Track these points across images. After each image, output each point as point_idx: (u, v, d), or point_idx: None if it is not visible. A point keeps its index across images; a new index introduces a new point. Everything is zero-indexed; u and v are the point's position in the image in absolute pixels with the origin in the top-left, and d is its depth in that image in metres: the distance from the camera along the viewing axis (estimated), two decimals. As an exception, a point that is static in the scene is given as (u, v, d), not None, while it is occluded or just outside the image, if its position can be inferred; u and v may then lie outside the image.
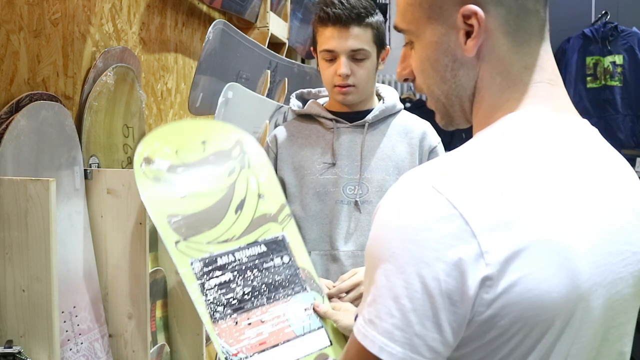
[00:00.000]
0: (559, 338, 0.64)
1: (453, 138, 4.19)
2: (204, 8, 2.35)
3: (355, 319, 0.67)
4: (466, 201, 0.62)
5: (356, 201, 1.64)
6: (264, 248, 1.34)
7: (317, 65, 1.68)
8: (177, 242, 1.26)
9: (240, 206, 1.36)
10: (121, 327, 1.51)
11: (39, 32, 1.39)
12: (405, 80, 0.81)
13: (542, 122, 0.70)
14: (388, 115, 1.70)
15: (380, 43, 1.62)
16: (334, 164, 1.65)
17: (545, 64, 0.73)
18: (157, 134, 1.42)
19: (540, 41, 0.73)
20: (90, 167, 1.53)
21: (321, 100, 1.75)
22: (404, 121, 1.71)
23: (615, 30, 4.25)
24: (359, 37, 1.57)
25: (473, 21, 0.70)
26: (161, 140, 1.39)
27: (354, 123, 1.67)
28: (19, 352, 1.14)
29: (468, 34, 0.71)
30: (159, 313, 1.74)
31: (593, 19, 4.44)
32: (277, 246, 1.35)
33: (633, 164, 4.14)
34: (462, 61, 0.73)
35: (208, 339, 1.85)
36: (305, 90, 1.81)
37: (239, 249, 1.31)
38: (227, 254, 1.29)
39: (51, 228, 1.19)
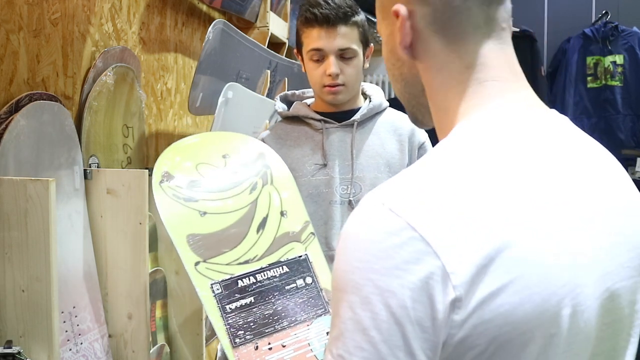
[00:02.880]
0: (546, 350, 0.62)
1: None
2: (204, 8, 2.35)
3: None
4: (425, 221, 0.59)
5: (350, 200, 1.64)
6: (286, 269, 1.30)
7: (303, 67, 1.69)
8: (196, 264, 1.22)
9: (262, 225, 1.33)
10: (121, 327, 1.51)
11: (39, 32, 1.39)
12: None
13: (496, 124, 0.68)
14: (375, 114, 1.71)
15: (365, 41, 1.65)
16: (325, 165, 1.64)
17: (490, 62, 0.70)
18: (177, 147, 1.38)
19: (482, 39, 0.70)
20: (90, 167, 1.53)
21: (306, 102, 1.76)
22: (391, 118, 1.72)
23: (615, 30, 4.25)
24: (346, 36, 1.59)
25: (399, 21, 0.71)
26: (181, 154, 1.35)
27: (343, 123, 1.67)
28: (19, 352, 1.14)
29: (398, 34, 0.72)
30: (159, 313, 1.74)
31: (593, 19, 4.44)
32: (299, 266, 1.31)
33: (633, 164, 4.13)
34: (403, 60, 0.74)
35: (208, 339, 1.85)
36: (289, 92, 1.81)
37: (261, 270, 1.27)
38: (248, 275, 1.26)
39: (51, 228, 1.19)
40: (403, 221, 0.60)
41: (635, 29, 4.23)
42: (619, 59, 4.23)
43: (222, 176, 1.36)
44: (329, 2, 1.58)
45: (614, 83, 4.25)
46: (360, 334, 0.60)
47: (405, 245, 0.59)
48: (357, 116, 1.66)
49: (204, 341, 1.80)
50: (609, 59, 4.26)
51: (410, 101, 0.78)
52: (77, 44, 1.53)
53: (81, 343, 1.40)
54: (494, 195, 0.62)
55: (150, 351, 1.57)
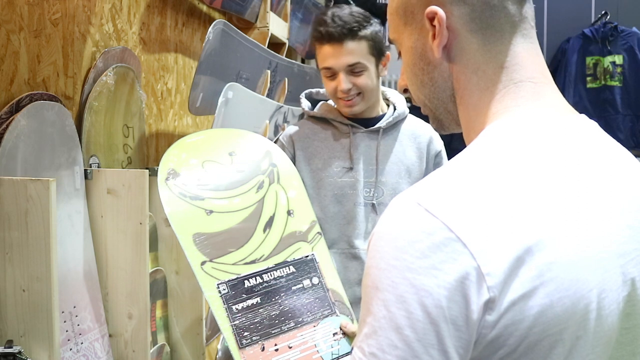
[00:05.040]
0: (571, 352, 0.63)
1: (453, 138, 4.20)
2: (204, 8, 2.35)
3: (351, 352, 0.64)
4: (461, 222, 0.60)
5: (373, 203, 1.71)
6: (292, 269, 1.29)
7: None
8: (202, 263, 1.21)
9: (269, 224, 1.32)
10: (121, 327, 1.51)
11: (39, 32, 1.39)
12: (405, 91, 0.82)
13: (529, 126, 0.68)
14: (398, 121, 1.77)
15: (377, 52, 1.67)
16: (351, 168, 1.71)
17: (524, 61, 0.71)
18: (183, 143, 1.37)
19: (516, 39, 0.71)
20: (90, 167, 1.53)
21: (331, 103, 1.81)
22: (412, 126, 1.79)
23: (615, 31, 4.25)
24: (353, 52, 1.62)
25: (436, 22, 0.70)
26: (187, 151, 1.34)
27: (369, 129, 1.73)
28: (19, 352, 1.14)
29: (435, 35, 0.72)
30: (159, 313, 1.74)
31: (593, 19, 4.44)
32: (306, 267, 1.31)
33: (633, 164, 4.14)
34: (435, 63, 0.74)
35: (208, 338, 1.85)
36: (314, 91, 1.86)
37: (267, 270, 1.26)
38: (254, 275, 1.25)
39: (51, 228, 1.19)
40: (439, 222, 0.60)
41: (634, 29, 4.23)
42: (619, 59, 4.24)
43: (228, 174, 1.35)
44: (335, 19, 1.61)
45: (613, 83, 4.25)
46: (394, 333, 0.60)
47: (442, 245, 0.60)
48: (382, 123, 1.73)
49: (204, 341, 1.80)
50: (608, 59, 4.26)
51: (438, 107, 0.78)
52: (78, 44, 1.53)
53: (81, 343, 1.40)
54: (525, 198, 0.62)
55: (151, 351, 1.57)
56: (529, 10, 0.72)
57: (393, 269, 0.61)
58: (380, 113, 1.76)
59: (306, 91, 1.86)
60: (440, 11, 0.70)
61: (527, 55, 0.72)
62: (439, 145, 1.80)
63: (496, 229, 0.60)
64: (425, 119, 1.89)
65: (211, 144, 1.41)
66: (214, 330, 1.88)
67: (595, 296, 0.63)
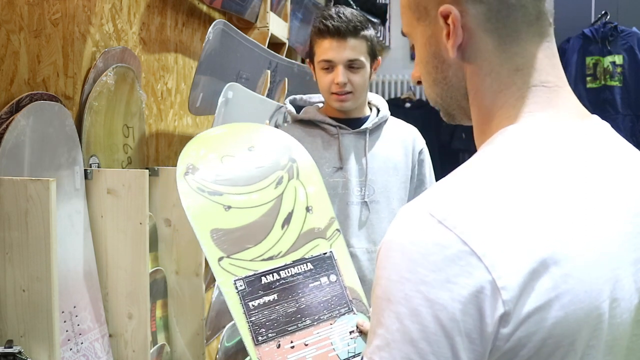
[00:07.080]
0: None
1: (453, 138, 4.19)
2: (204, 8, 2.35)
3: None
4: (476, 236, 0.60)
5: (365, 201, 1.77)
6: (310, 266, 1.28)
7: (314, 76, 1.81)
8: (220, 259, 1.21)
9: (287, 220, 1.31)
10: (121, 327, 1.51)
11: (39, 32, 1.39)
12: (419, 82, 0.80)
13: (542, 134, 0.67)
14: (381, 122, 1.85)
15: (373, 54, 1.77)
16: (341, 168, 1.77)
17: (539, 64, 0.70)
18: (202, 138, 1.36)
19: (532, 38, 0.69)
20: (91, 167, 1.53)
21: (316, 106, 1.87)
22: (395, 127, 1.88)
23: (615, 31, 4.26)
24: (355, 48, 1.71)
25: (450, 21, 0.69)
26: (206, 146, 1.33)
27: (356, 130, 1.80)
28: (19, 352, 1.14)
29: (450, 34, 0.70)
30: (159, 313, 1.74)
31: (593, 19, 4.44)
32: (324, 264, 1.29)
33: (633, 164, 4.14)
34: (449, 62, 0.72)
35: (208, 339, 1.85)
36: (297, 97, 1.94)
37: (285, 267, 1.25)
38: (271, 272, 1.24)
39: (51, 228, 1.19)
40: (453, 234, 0.60)
41: (634, 29, 4.24)
42: (619, 59, 4.24)
43: (247, 169, 1.34)
44: (341, 15, 1.71)
45: (613, 83, 4.26)
46: (408, 345, 0.60)
47: (456, 258, 0.59)
48: (369, 124, 1.81)
49: (204, 341, 1.80)
50: (608, 59, 4.26)
51: (450, 105, 0.76)
52: (78, 44, 1.53)
53: (82, 343, 1.40)
54: (539, 210, 0.62)
55: (151, 351, 1.57)
56: (549, 4, 0.71)
57: (406, 282, 0.60)
58: (365, 115, 1.84)
59: (289, 97, 1.93)
60: (455, 10, 0.68)
61: (543, 57, 0.70)
62: (421, 143, 1.89)
63: (511, 242, 0.60)
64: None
65: (231, 138, 1.40)
66: (214, 330, 1.88)
67: (607, 306, 0.63)
